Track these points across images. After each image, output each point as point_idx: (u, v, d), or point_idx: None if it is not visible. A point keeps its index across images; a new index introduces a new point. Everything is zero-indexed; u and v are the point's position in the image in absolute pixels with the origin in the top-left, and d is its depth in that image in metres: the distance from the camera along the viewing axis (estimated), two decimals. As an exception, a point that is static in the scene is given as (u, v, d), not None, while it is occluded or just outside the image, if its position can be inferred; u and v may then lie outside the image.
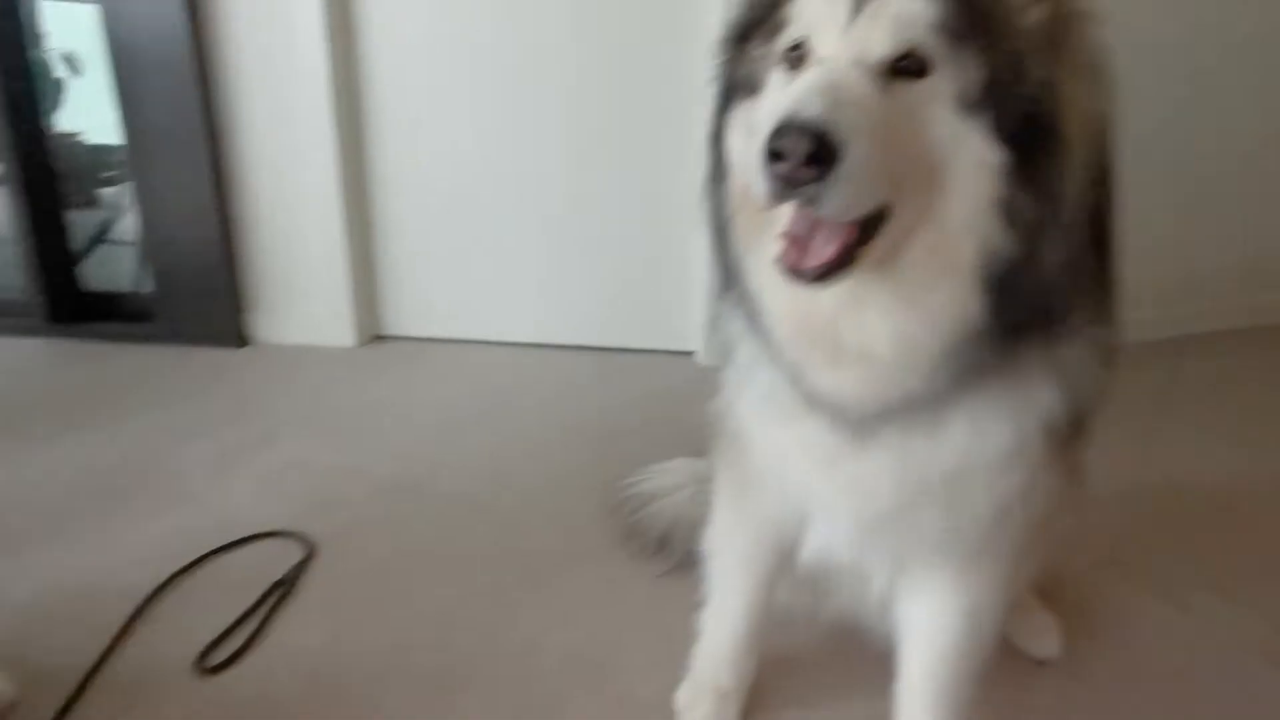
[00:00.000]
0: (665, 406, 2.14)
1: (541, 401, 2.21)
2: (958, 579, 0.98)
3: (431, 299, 2.59)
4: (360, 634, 1.31)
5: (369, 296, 2.58)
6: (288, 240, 2.48)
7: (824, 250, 0.70)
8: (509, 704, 1.17)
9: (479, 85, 2.37)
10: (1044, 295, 0.73)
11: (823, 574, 1.14)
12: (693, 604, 1.23)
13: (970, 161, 0.68)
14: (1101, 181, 0.75)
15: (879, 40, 0.68)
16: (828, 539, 1.03)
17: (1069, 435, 0.86)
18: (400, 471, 1.79)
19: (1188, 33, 2.50)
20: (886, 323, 0.74)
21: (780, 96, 0.71)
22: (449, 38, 2.33)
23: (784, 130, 0.64)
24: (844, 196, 0.65)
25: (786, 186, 0.66)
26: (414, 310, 2.60)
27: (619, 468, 1.71)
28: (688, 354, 2.50)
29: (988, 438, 0.81)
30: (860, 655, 1.20)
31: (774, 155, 0.65)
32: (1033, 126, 0.68)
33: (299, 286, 2.52)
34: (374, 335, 2.62)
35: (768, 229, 0.77)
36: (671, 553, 1.48)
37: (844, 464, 0.88)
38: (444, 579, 1.44)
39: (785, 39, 0.75)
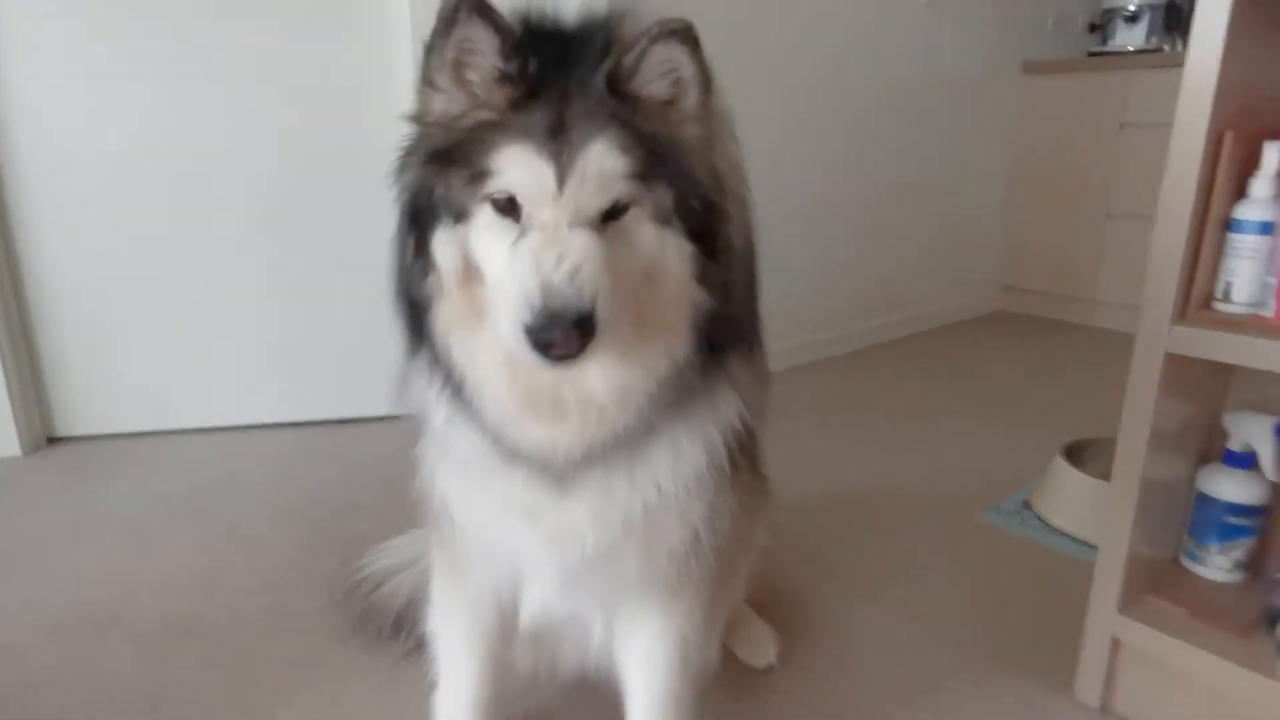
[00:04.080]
0: (394, 476, 2.04)
1: (257, 489, 2.02)
2: (663, 611, 1.05)
3: (117, 389, 2.28)
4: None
5: (35, 395, 2.22)
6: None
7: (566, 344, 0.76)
8: None
9: (152, 154, 2.14)
10: (734, 322, 0.88)
11: (547, 631, 1.16)
12: (433, 685, 1.18)
13: (674, 255, 0.81)
14: (747, 228, 0.91)
15: (589, 200, 0.77)
16: (541, 598, 1.07)
17: (742, 453, 0.98)
18: (81, 603, 1.54)
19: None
20: (607, 377, 0.83)
21: (520, 265, 0.76)
22: (109, 102, 2.09)
23: (550, 323, 0.72)
24: (602, 345, 0.76)
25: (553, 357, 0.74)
26: (96, 404, 2.28)
27: (349, 549, 1.61)
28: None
29: (684, 461, 0.91)
30: (605, 701, 1.22)
31: (544, 343, 0.73)
32: (708, 212, 0.82)
33: (-62, 393, 2.11)
34: (46, 438, 2.26)
35: (477, 316, 0.83)
36: (409, 634, 1.41)
37: (547, 515, 0.92)
38: (141, 723, 1.25)
39: (493, 186, 0.78)
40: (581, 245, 0.76)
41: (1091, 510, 1.76)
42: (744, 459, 0.99)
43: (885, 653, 1.45)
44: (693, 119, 0.82)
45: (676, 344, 0.84)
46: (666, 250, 0.81)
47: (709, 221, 0.82)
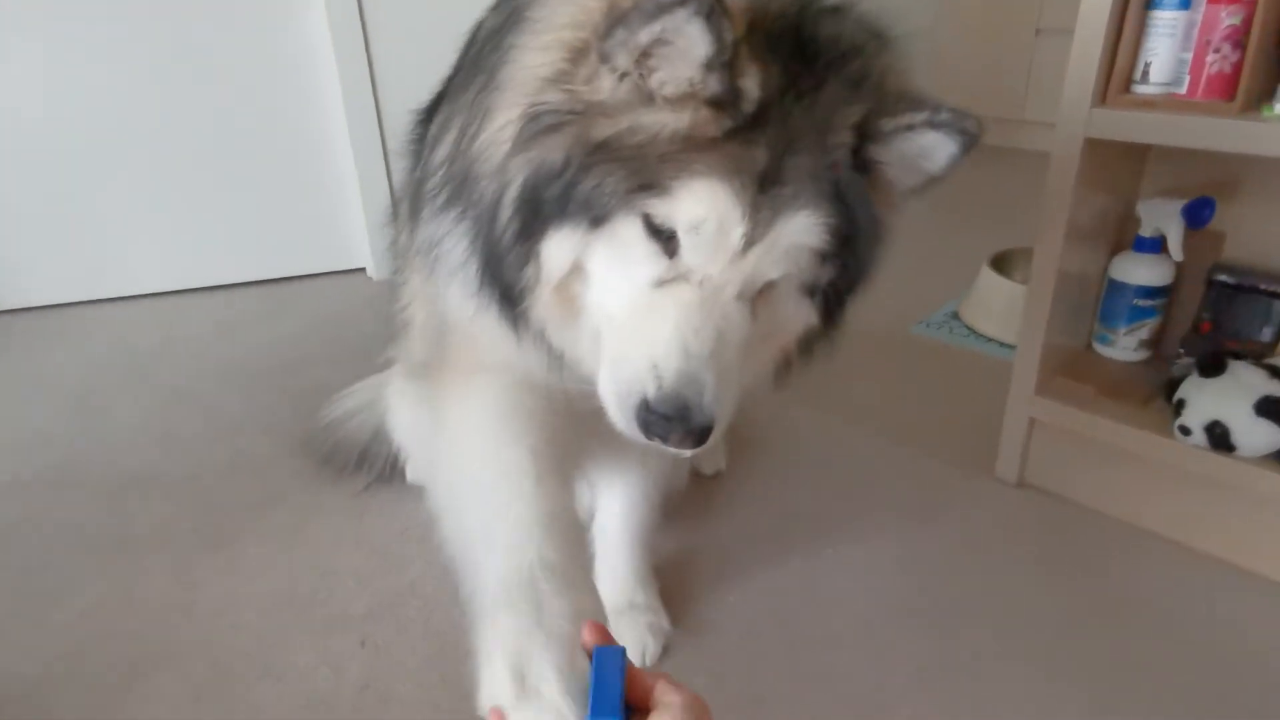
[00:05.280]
0: (343, 327, 2.04)
1: (202, 349, 1.99)
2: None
3: (40, 261, 2.18)
4: (9, 652, 1.13)
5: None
6: None
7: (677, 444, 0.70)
8: (208, 666, 1.10)
9: (60, 22, 1.98)
10: None
11: None
12: (400, 512, 1.22)
13: (800, 323, 0.76)
14: None
15: (767, 270, 0.67)
16: None
17: None
18: (31, 463, 1.53)
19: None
20: None
21: (660, 322, 0.66)
22: None
23: (670, 419, 0.64)
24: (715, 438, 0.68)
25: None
26: (20, 277, 2.17)
27: (303, 400, 1.63)
28: (358, 270, 2.40)
29: None
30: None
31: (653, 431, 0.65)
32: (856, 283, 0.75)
33: None
34: (-34, 314, 2.16)
35: (573, 313, 0.75)
36: (372, 466, 1.46)
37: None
38: (109, 569, 1.27)
39: (660, 208, 0.65)
40: (737, 320, 0.67)
41: (1016, 315, 1.85)
42: None
43: (823, 450, 1.56)
44: (903, 204, 0.73)
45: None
46: (797, 318, 0.74)
47: (852, 291, 0.76)
